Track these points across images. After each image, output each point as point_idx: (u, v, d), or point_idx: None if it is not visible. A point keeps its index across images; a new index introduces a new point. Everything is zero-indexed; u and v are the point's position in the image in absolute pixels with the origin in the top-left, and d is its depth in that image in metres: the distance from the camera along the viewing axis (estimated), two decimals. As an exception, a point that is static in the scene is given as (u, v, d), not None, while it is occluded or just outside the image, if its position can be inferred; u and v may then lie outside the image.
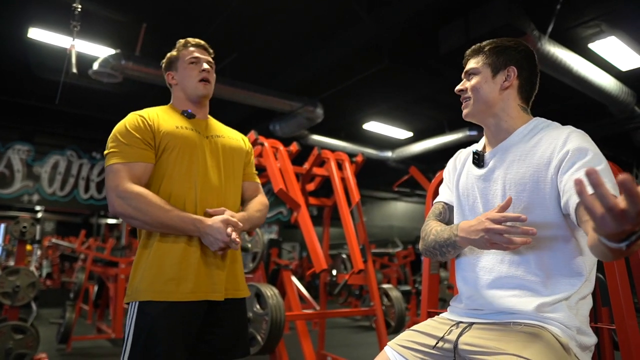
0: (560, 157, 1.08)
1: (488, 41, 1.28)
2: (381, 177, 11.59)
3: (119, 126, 1.53)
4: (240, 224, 1.52)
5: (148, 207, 1.41)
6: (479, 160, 1.25)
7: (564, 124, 1.21)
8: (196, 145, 1.55)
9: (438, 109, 8.22)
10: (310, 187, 3.94)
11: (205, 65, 1.63)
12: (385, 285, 3.57)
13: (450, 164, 1.42)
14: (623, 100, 6.58)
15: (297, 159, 3.70)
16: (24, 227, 3.76)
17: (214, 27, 5.46)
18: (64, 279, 10.29)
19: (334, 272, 3.91)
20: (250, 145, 1.80)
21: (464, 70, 1.30)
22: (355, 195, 3.43)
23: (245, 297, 1.63)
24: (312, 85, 7.01)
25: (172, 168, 1.51)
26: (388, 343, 1.27)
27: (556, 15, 4.87)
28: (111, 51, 5.55)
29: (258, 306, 2.77)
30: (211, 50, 1.72)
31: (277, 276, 3.63)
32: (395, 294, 3.50)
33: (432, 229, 1.28)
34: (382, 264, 9.20)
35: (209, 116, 1.70)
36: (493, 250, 1.17)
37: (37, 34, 5.31)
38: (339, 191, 3.38)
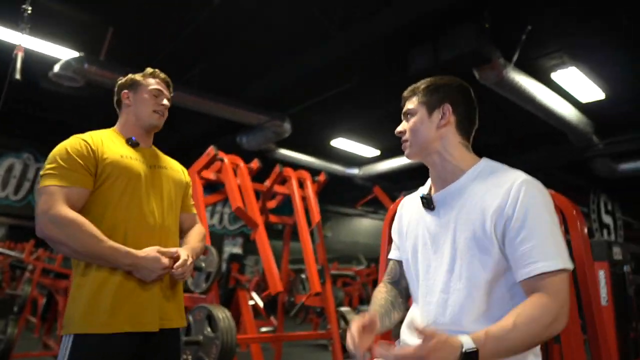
0: (508, 213, 1.06)
1: (423, 80, 1.28)
2: (347, 194, 11.59)
3: (59, 148, 1.49)
4: (176, 255, 1.52)
5: (82, 236, 1.38)
6: (428, 203, 1.23)
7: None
8: (140, 176, 1.54)
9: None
10: (272, 204, 3.86)
11: (165, 102, 1.68)
12: (343, 309, 3.50)
13: (396, 218, 1.41)
14: (582, 130, 6.79)
15: (262, 174, 3.62)
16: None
17: (184, 36, 5.35)
18: (8, 290, 9.75)
19: (293, 293, 3.83)
20: (189, 178, 1.84)
21: (402, 112, 1.29)
22: (316, 216, 3.37)
23: (179, 328, 1.60)
24: (281, 100, 6.95)
25: (117, 197, 1.49)
26: None
27: (521, 45, 4.99)
28: (75, 54, 5.36)
29: (209, 329, 2.65)
30: (172, 88, 1.76)
31: (233, 295, 3.52)
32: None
33: (373, 301, 1.31)
34: (345, 282, 9.11)
35: (152, 146, 1.71)
36: (435, 300, 1.16)
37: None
38: (299, 211, 3.32)
